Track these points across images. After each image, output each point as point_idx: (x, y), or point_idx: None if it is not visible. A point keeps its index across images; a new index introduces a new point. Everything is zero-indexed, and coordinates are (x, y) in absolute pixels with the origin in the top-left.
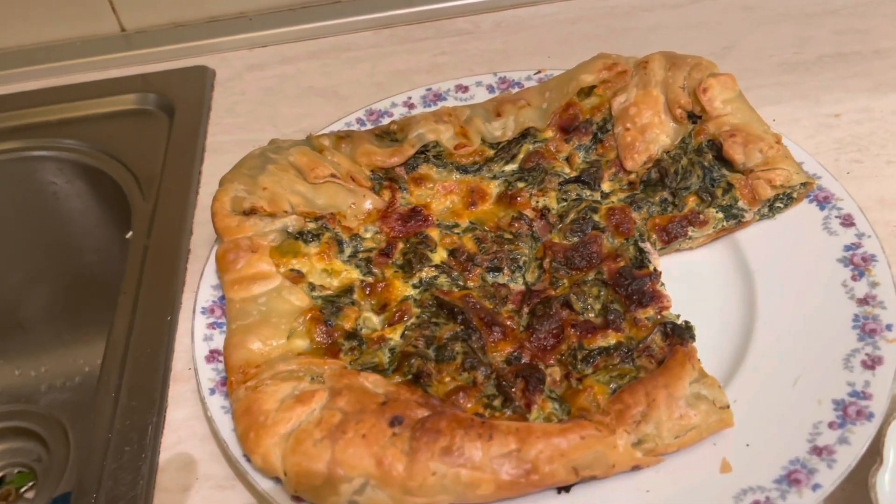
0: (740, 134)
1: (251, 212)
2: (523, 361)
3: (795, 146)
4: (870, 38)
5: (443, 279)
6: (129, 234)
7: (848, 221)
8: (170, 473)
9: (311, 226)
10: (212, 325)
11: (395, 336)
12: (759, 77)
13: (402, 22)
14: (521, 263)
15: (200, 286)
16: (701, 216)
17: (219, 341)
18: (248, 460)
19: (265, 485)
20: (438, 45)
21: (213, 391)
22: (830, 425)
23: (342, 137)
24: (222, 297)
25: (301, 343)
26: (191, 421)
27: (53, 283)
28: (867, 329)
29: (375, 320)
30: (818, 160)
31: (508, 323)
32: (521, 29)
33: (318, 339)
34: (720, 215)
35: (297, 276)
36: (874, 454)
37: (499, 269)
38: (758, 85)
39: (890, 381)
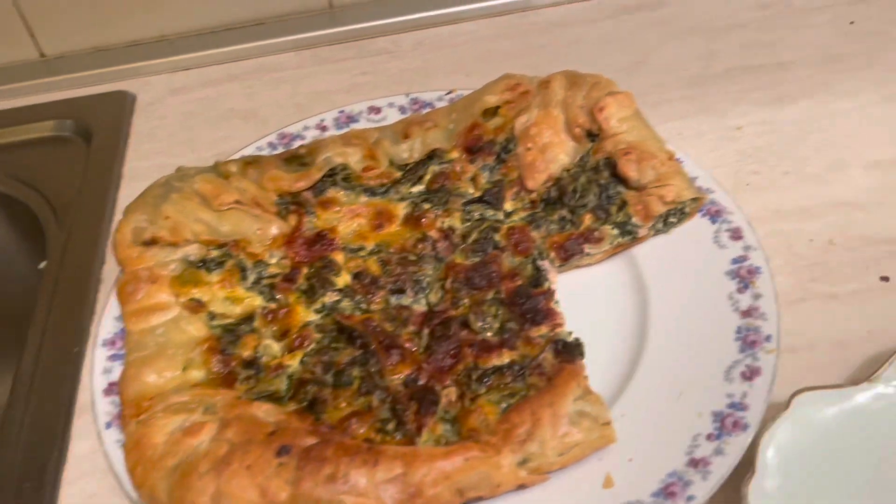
0: (635, 151)
1: (152, 242)
2: (420, 383)
3: (691, 161)
4: (774, 51)
5: (346, 303)
6: (43, 265)
7: (737, 235)
8: None
9: (215, 253)
10: (112, 358)
11: (293, 363)
12: (668, 91)
13: (323, 42)
14: (424, 285)
15: (103, 318)
16: (596, 233)
17: (118, 373)
18: None
19: None
20: (359, 66)
21: (109, 425)
22: (708, 437)
23: (249, 163)
24: (124, 329)
25: (197, 374)
26: (93, 455)
27: None
28: (748, 340)
29: (276, 347)
30: (719, 173)
31: (408, 345)
32: (442, 47)
33: (214, 370)
34: (615, 232)
35: (196, 306)
36: (749, 464)
37: (402, 291)
38: (667, 99)
39: (766, 391)
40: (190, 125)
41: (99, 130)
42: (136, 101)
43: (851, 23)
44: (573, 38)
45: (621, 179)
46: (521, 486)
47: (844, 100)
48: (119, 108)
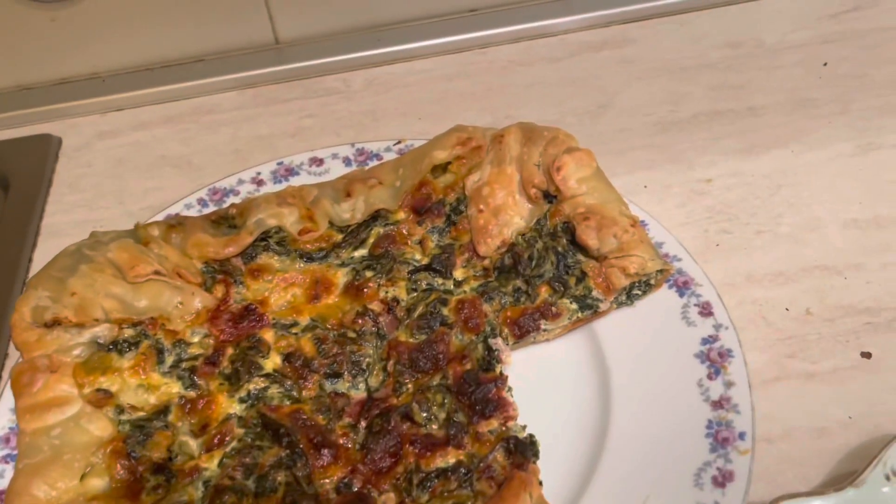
0: (594, 217)
1: (54, 323)
2: (354, 489)
3: (657, 224)
4: (744, 94)
5: (274, 390)
6: None
7: (706, 310)
8: None
9: (129, 332)
10: (6, 459)
11: (211, 465)
12: (633, 138)
13: (268, 81)
14: (363, 366)
15: None
16: (554, 308)
17: (9, 478)
18: None
19: None
20: (305, 107)
21: None
22: None
23: (173, 226)
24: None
25: (98, 483)
26: None
27: None
28: (720, 438)
29: (193, 444)
30: (687, 232)
31: (342, 441)
32: (394, 87)
33: (118, 477)
34: (574, 306)
35: (103, 398)
36: None
37: (338, 375)
38: (632, 147)
39: (741, 498)
40: (118, 173)
41: (16, 178)
42: (61, 145)
43: (825, 64)
44: (534, 78)
45: (581, 247)
46: None
47: (818, 150)
48: (41, 153)
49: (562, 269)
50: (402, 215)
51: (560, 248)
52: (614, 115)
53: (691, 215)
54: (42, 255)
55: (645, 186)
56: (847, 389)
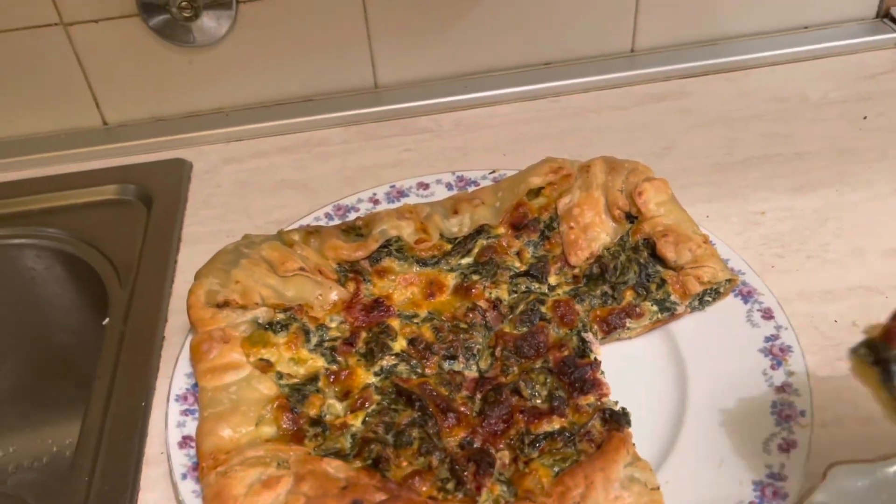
0: (672, 234)
1: (224, 304)
2: (475, 446)
3: (722, 244)
4: (791, 142)
5: (402, 367)
6: (106, 321)
7: (768, 315)
8: None
9: (281, 317)
10: (185, 412)
11: (356, 422)
12: (693, 175)
13: (369, 119)
14: (475, 352)
15: (175, 374)
16: (637, 309)
17: (191, 428)
18: None
19: None
20: (403, 143)
21: (185, 476)
22: None
23: (311, 232)
24: (195, 385)
25: (268, 430)
26: (162, 503)
27: (25, 364)
28: (783, 415)
29: (339, 407)
30: (744, 256)
31: (462, 409)
32: (479, 128)
33: (284, 426)
34: (654, 308)
35: (265, 366)
36: None
37: (454, 357)
38: (693, 183)
39: (803, 462)
40: (244, 193)
41: (158, 195)
42: (192, 168)
43: (864, 118)
44: (603, 123)
45: (659, 259)
46: None
47: (860, 191)
48: (177, 174)
49: (644, 277)
50: (502, 230)
51: (642, 260)
52: (676, 156)
53: (748, 242)
54: (185, 258)
55: (707, 216)
56: None
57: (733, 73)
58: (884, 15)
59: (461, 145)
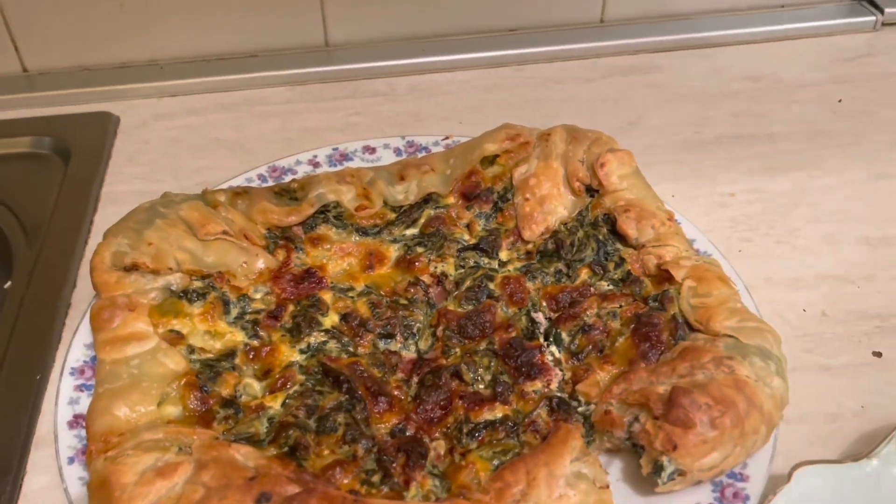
0: (634, 209)
1: (133, 268)
2: (408, 434)
3: (689, 224)
4: (764, 123)
5: (332, 345)
6: (8, 284)
7: None
8: None
9: (197, 284)
10: (80, 388)
11: (275, 404)
12: (660, 153)
13: (317, 80)
14: (414, 330)
15: (72, 344)
16: (592, 289)
17: (85, 405)
18: None
19: None
20: (353, 105)
21: (72, 460)
22: None
23: (239, 193)
24: (95, 358)
25: (172, 410)
26: (49, 491)
27: None
28: None
29: (256, 387)
30: (712, 238)
31: (396, 393)
32: (436, 94)
33: (191, 407)
34: (611, 288)
35: (175, 338)
36: None
37: (391, 336)
38: (659, 161)
39: (766, 464)
40: (173, 152)
41: (78, 150)
42: (119, 123)
43: (839, 101)
44: (568, 95)
45: (619, 236)
46: None
47: (833, 175)
48: (101, 129)
49: (601, 255)
50: (451, 200)
51: (601, 237)
52: (643, 132)
53: (715, 223)
54: (102, 219)
55: (672, 196)
56: (859, 383)
57: (706, 50)
58: None
59: (415, 111)
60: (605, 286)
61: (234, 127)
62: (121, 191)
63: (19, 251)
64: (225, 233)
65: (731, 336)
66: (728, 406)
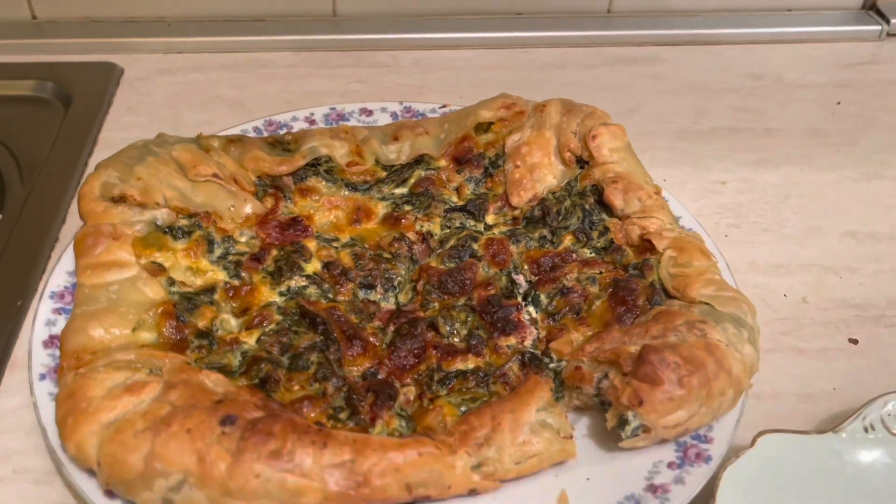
0: (622, 181)
1: (120, 199)
2: (379, 377)
3: (675, 201)
4: (762, 118)
5: (312, 290)
6: None
7: None
8: None
9: (183, 222)
10: (58, 311)
11: (250, 340)
12: (656, 140)
13: (322, 47)
14: (395, 283)
15: (55, 270)
16: (574, 255)
17: (61, 327)
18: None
19: (79, 478)
20: (356, 74)
21: (43, 377)
22: (669, 465)
23: (232, 141)
24: (76, 285)
25: (147, 336)
26: (21, 411)
27: None
28: None
29: (233, 323)
30: (700, 221)
31: (371, 339)
32: (439, 69)
33: (166, 334)
34: (592, 255)
35: (157, 269)
36: (708, 496)
37: (372, 287)
38: (654, 147)
39: (731, 427)
40: (174, 105)
41: (80, 97)
42: (122, 74)
43: (838, 103)
44: (569, 79)
45: (606, 207)
46: (473, 492)
47: (826, 172)
48: (104, 78)
49: (587, 223)
50: (443, 163)
51: (587, 206)
52: (640, 118)
53: (704, 209)
54: (97, 161)
55: (664, 179)
56: (834, 367)
57: (710, 46)
58: (870, 7)
59: (417, 84)
60: (587, 253)
61: (235, 86)
62: (118, 137)
63: (12, 188)
64: (215, 175)
65: (706, 304)
66: (697, 367)
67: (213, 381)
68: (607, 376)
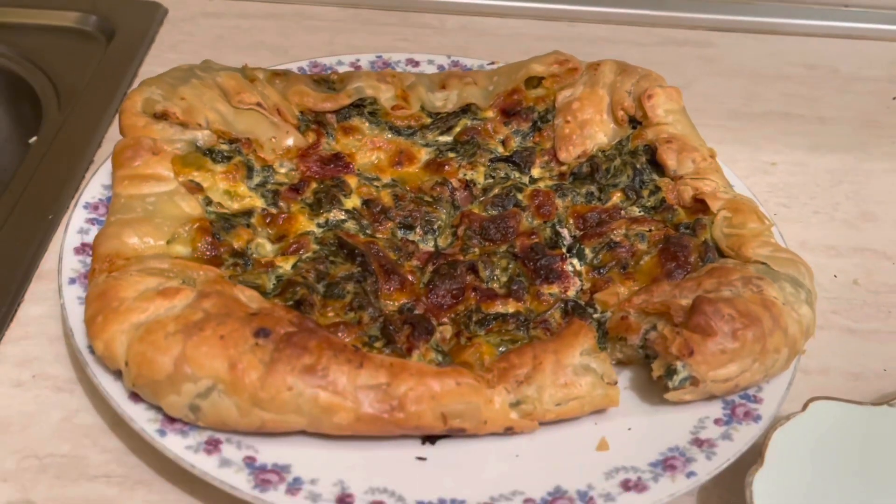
0: (676, 142)
1: (162, 116)
2: (416, 313)
3: (728, 170)
4: (815, 106)
5: (351, 224)
6: (34, 139)
7: None
8: (3, 366)
9: (224, 147)
10: (91, 221)
11: (286, 265)
12: (706, 117)
13: (368, 5)
14: (435, 227)
15: (90, 183)
16: (623, 213)
17: (94, 235)
18: (92, 351)
19: (104, 378)
20: (401, 32)
21: (73, 280)
22: (717, 421)
23: (278, 74)
24: (111, 198)
25: (181, 249)
26: (45, 319)
27: None
28: None
29: (269, 248)
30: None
31: (409, 277)
32: (485, 35)
33: (201, 249)
34: (642, 214)
35: (195, 187)
36: (756, 456)
37: (411, 228)
38: (704, 124)
39: (783, 389)
40: (217, 46)
41: (122, 31)
42: (167, 14)
43: (894, 98)
44: (619, 54)
45: (658, 167)
46: (510, 430)
47: (880, 161)
48: (148, 15)
49: (637, 182)
50: (490, 114)
51: (639, 165)
52: (691, 96)
53: (753, 187)
54: None
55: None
56: (886, 348)
57: (763, 35)
58: None
59: (463, 46)
60: (636, 211)
61: (280, 34)
62: (158, 72)
63: (50, 113)
64: (259, 104)
65: (762, 263)
66: (752, 321)
67: (248, 297)
68: (655, 328)
